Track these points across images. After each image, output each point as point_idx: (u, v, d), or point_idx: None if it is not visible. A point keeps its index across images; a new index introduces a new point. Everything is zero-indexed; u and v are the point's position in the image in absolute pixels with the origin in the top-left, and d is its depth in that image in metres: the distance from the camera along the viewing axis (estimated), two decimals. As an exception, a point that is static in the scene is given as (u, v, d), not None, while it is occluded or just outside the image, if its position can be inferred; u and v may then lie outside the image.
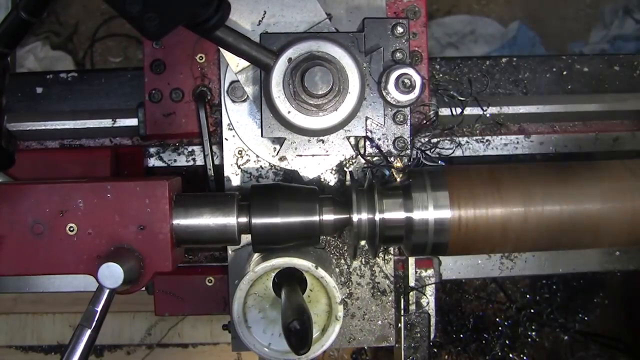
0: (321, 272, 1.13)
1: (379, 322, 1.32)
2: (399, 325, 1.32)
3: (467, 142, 1.46)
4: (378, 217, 1.13)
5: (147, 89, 1.32)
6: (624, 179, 1.13)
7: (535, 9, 3.28)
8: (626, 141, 1.48)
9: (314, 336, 1.15)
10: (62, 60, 3.19)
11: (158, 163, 1.41)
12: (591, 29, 3.20)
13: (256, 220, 1.12)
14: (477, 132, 1.45)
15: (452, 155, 1.45)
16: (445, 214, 1.11)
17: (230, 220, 1.13)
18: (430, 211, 1.11)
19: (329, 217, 1.14)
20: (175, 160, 1.41)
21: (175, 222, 1.12)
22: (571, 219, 1.12)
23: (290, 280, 1.15)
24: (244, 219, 1.13)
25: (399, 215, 1.13)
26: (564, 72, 1.50)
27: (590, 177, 1.14)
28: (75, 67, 3.20)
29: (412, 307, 1.32)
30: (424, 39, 1.33)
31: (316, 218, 1.13)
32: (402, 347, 1.30)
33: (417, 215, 1.12)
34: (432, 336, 1.34)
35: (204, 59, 1.33)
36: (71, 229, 1.11)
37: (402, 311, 1.30)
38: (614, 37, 3.06)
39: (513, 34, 3.14)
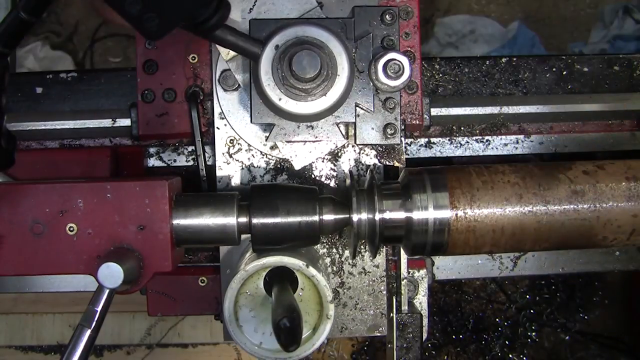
0: (312, 270, 1.13)
1: (371, 311, 1.32)
2: (391, 315, 1.31)
3: (467, 142, 1.45)
4: (378, 217, 1.13)
5: (139, 89, 1.32)
6: (625, 179, 1.13)
7: (535, 9, 3.28)
8: (626, 141, 1.48)
9: (305, 335, 1.15)
10: (62, 60, 3.19)
11: (158, 163, 1.41)
12: (591, 29, 3.20)
13: (256, 220, 1.12)
14: (477, 132, 1.45)
15: (452, 155, 1.45)
16: (445, 214, 1.11)
17: (230, 220, 1.13)
18: (430, 211, 1.11)
19: (329, 217, 1.14)
20: (175, 160, 1.41)
21: (175, 222, 1.12)
22: (571, 219, 1.12)
23: (281, 279, 1.15)
24: (243, 219, 1.13)
25: (399, 215, 1.13)
26: (564, 72, 1.50)
27: (591, 177, 1.14)
28: (75, 67, 3.20)
29: (405, 308, 1.31)
30: (417, 39, 1.31)
31: (316, 218, 1.13)
32: (395, 347, 1.29)
33: (417, 215, 1.12)
34: (424, 337, 1.33)
35: (196, 59, 1.32)
36: (71, 229, 1.11)
37: (395, 311, 1.30)
38: (614, 37, 3.06)
39: (513, 34, 3.14)
